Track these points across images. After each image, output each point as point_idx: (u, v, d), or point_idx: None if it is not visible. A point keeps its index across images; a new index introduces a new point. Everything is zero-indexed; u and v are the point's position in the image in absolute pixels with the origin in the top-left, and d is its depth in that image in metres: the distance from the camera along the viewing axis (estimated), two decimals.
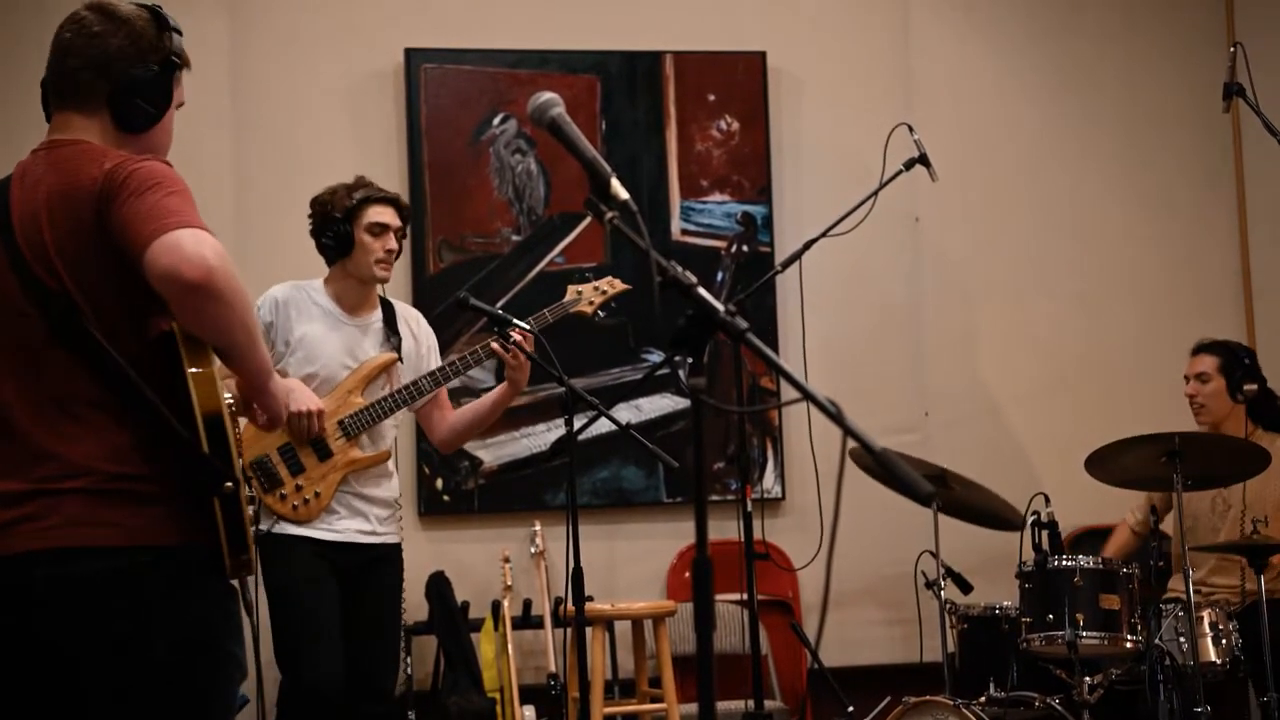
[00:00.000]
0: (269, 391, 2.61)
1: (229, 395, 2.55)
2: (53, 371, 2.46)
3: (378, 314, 4.29)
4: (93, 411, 2.45)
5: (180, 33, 2.68)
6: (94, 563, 2.42)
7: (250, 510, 2.52)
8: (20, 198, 2.53)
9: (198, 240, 2.34)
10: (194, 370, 2.42)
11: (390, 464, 4.24)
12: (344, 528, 4.12)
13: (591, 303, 4.33)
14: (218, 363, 2.50)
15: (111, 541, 2.42)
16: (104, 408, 2.45)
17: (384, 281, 4.26)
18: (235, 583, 2.58)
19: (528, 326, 4.09)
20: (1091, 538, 6.10)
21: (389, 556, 4.23)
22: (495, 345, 4.08)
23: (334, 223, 4.17)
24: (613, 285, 4.38)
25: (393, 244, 4.21)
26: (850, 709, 4.97)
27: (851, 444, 1.82)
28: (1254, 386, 5.27)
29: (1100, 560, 4.75)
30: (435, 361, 4.34)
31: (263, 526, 4.08)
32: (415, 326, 4.38)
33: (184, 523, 2.45)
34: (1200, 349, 5.44)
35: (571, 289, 4.34)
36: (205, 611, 2.50)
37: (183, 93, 2.73)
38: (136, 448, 2.44)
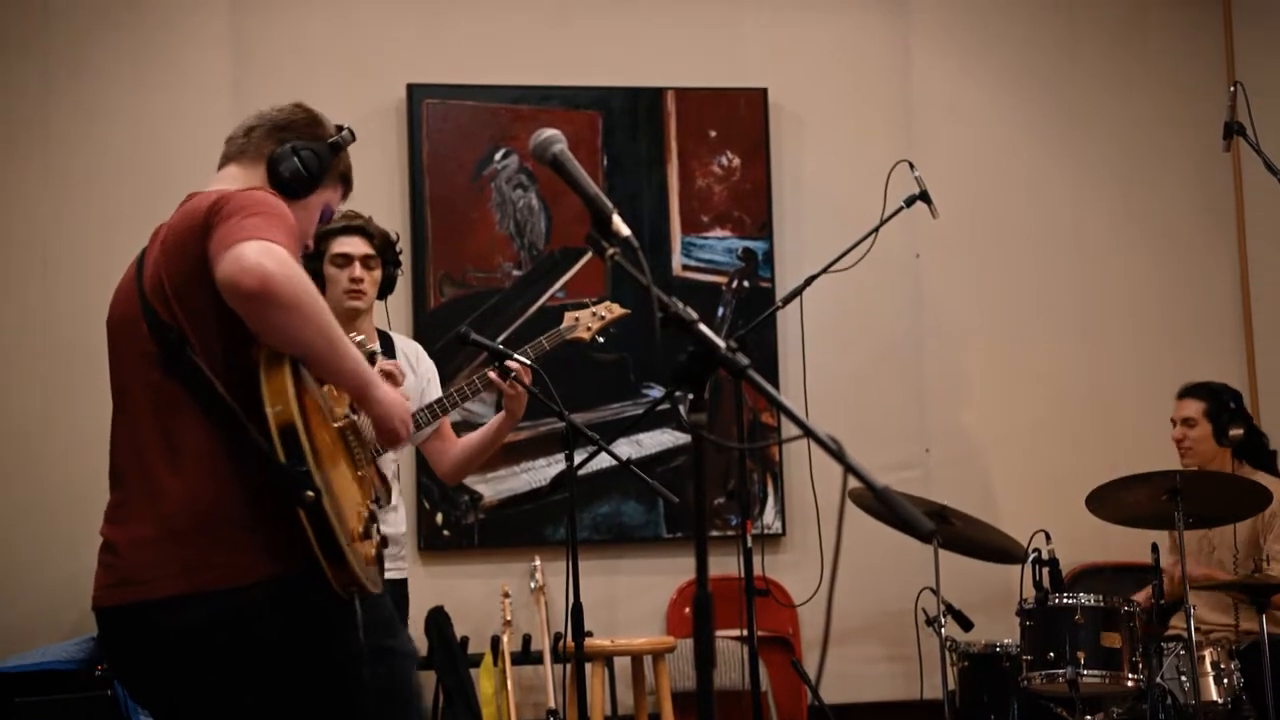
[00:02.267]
0: (372, 400, 2.63)
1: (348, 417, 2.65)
2: (168, 405, 2.53)
3: (376, 346, 4.26)
4: (199, 445, 2.50)
5: (353, 136, 2.95)
6: (206, 607, 2.46)
7: (363, 527, 2.54)
8: (151, 247, 2.67)
9: (260, 250, 2.38)
10: (266, 387, 2.44)
11: (395, 496, 4.21)
12: None
13: (589, 328, 4.25)
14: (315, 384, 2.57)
15: (218, 585, 2.46)
16: (208, 442, 2.50)
17: (357, 310, 4.16)
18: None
19: (528, 361, 4.07)
20: (1092, 575, 6.09)
21: (394, 592, 4.20)
22: (492, 375, 4.05)
23: (305, 261, 4.12)
24: (610, 310, 4.27)
25: (358, 272, 4.11)
26: None
27: (852, 481, 1.82)
28: (1239, 431, 5.27)
29: (1101, 598, 4.73)
30: (436, 393, 4.30)
31: None
32: (415, 360, 4.35)
33: (289, 549, 2.45)
34: (1186, 393, 5.42)
35: (569, 315, 4.26)
36: (322, 636, 2.52)
37: (336, 200, 2.93)
38: (235, 483, 2.48)
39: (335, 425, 2.64)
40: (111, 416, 2.66)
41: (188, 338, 2.51)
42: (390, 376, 3.25)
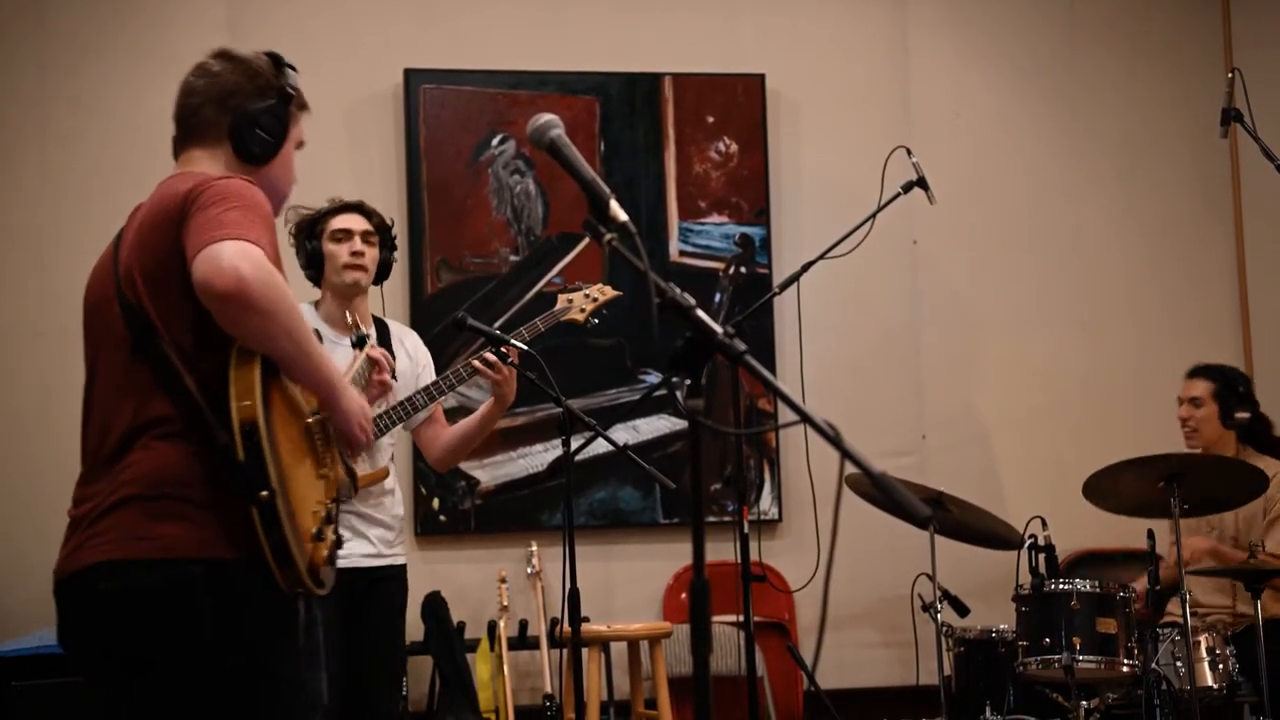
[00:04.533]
0: (338, 409, 2.66)
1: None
2: (137, 386, 2.53)
3: (371, 332, 4.27)
4: (162, 427, 2.51)
5: (296, 70, 2.84)
6: (146, 575, 2.47)
7: (317, 528, 2.55)
8: (129, 228, 2.65)
9: (237, 251, 2.38)
10: (234, 385, 2.45)
11: (391, 481, 4.23)
12: (348, 551, 4.08)
13: (583, 310, 4.31)
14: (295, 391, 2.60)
15: (162, 554, 2.47)
16: (171, 423, 2.51)
17: (355, 285, 4.15)
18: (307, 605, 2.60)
19: (524, 346, 4.08)
20: (1089, 562, 6.09)
21: (393, 578, 4.21)
22: (476, 362, 4.08)
23: (305, 245, 4.19)
24: (604, 292, 4.35)
25: (358, 246, 4.15)
26: None
27: (849, 467, 1.82)
28: (1246, 414, 5.28)
29: (1097, 584, 4.74)
30: (431, 379, 4.33)
31: None
32: (410, 346, 4.37)
33: (238, 537, 2.45)
34: (1195, 372, 5.45)
35: (562, 297, 4.33)
36: (256, 630, 2.52)
37: (302, 131, 2.85)
38: (194, 463, 2.49)
39: (305, 421, 2.64)
40: (83, 398, 2.67)
41: (156, 326, 2.52)
42: (377, 365, 3.24)
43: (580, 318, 4.31)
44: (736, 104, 6.29)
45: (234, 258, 2.37)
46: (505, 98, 6.12)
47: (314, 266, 4.19)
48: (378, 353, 3.26)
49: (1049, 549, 4.84)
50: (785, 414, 6.09)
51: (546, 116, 2.24)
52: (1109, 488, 4.94)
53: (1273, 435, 5.43)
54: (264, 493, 2.41)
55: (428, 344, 4.48)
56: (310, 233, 4.20)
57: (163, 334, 2.52)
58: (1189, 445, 5.39)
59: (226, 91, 2.74)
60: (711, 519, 5.95)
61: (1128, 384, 6.46)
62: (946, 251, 6.45)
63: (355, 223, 4.19)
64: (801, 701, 6.02)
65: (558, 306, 4.29)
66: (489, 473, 5.98)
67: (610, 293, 4.36)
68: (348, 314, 3.97)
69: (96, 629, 2.52)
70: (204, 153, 2.75)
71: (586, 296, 4.32)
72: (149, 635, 2.48)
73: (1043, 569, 4.80)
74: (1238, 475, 4.89)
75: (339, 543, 2.67)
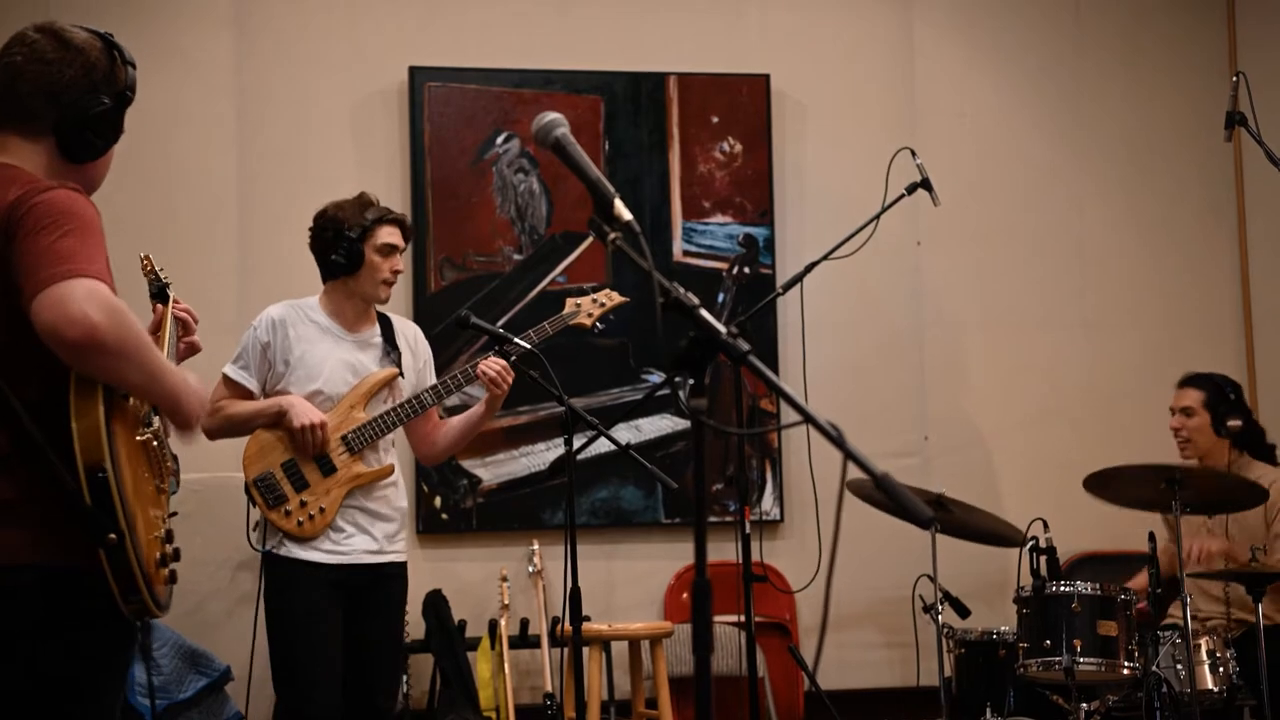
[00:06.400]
0: (180, 417, 2.55)
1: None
2: None
3: (376, 329, 4.30)
4: None
5: (134, 66, 2.66)
6: None
7: (159, 553, 2.49)
8: None
9: (86, 294, 2.27)
10: (77, 424, 2.35)
11: (396, 475, 4.25)
12: (351, 547, 4.10)
13: (590, 315, 4.37)
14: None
15: None
16: (4, 440, 2.40)
17: (384, 301, 4.28)
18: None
19: (528, 346, 4.11)
20: (1090, 563, 6.09)
21: (395, 575, 4.23)
22: (478, 371, 4.13)
23: (346, 240, 4.16)
24: (611, 298, 4.42)
25: (399, 265, 4.24)
26: None
27: (852, 467, 1.82)
28: (1238, 422, 5.26)
29: (1098, 586, 4.74)
30: (432, 376, 4.36)
31: (268, 546, 4.07)
32: (413, 341, 4.39)
33: (70, 547, 2.38)
34: (1186, 382, 5.43)
35: (570, 301, 4.38)
36: (81, 644, 2.45)
37: (121, 123, 2.68)
38: (26, 476, 2.39)
39: (140, 438, 2.54)
40: None
41: None
42: (184, 325, 3.01)
43: (588, 322, 4.37)
44: (741, 104, 6.29)
45: (83, 302, 2.25)
46: (510, 96, 6.12)
47: (352, 266, 4.19)
48: (182, 310, 3.04)
49: (1050, 550, 4.83)
50: (788, 414, 6.09)
51: (551, 115, 2.23)
52: (1111, 484, 4.94)
53: (1266, 443, 5.42)
54: (111, 535, 2.35)
55: (430, 342, 4.50)
56: (360, 234, 4.19)
57: None
58: (1183, 456, 5.36)
59: (60, 86, 2.55)
60: (713, 519, 5.95)
61: (1130, 386, 6.46)
62: (949, 253, 6.45)
63: (399, 239, 4.25)
64: (802, 702, 6.02)
65: (566, 310, 4.34)
66: (491, 471, 5.98)
67: (617, 299, 4.42)
68: (140, 256, 3.66)
69: None
70: (24, 142, 2.56)
71: (594, 301, 4.38)
72: None
73: (1044, 571, 4.80)
74: (1237, 489, 4.89)
75: (176, 555, 2.63)
